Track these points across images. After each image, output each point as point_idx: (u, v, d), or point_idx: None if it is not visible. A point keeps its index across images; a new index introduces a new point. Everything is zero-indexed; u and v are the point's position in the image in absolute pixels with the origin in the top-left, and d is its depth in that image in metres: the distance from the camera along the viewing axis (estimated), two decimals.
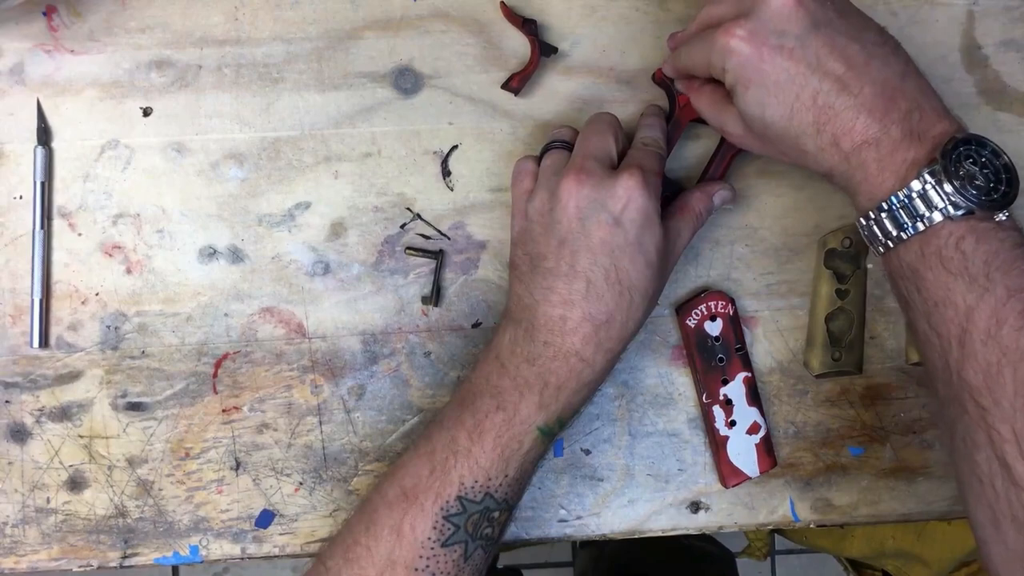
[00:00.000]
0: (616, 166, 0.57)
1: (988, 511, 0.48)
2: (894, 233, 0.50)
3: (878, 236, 0.51)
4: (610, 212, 0.54)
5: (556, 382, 0.54)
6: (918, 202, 0.49)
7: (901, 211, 0.49)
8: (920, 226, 0.49)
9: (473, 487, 0.53)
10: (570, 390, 0.55)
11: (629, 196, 0.54)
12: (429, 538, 0.53)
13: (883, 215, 0.50)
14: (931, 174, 0.48)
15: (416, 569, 0.52)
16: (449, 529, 0.53)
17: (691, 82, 0.59)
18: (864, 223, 0.52)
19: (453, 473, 0.53)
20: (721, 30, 0.52)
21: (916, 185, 0.49)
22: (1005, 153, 0.50)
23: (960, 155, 0.49)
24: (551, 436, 0.56)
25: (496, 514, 0.54)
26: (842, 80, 0.51)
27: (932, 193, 0.48)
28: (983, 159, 0.49)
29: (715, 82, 0.57)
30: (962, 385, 0.48)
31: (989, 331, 0.47)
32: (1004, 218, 0.49)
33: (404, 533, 0.53)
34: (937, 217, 0.48)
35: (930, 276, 0.49)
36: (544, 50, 0.62)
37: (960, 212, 0.48)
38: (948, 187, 0.48)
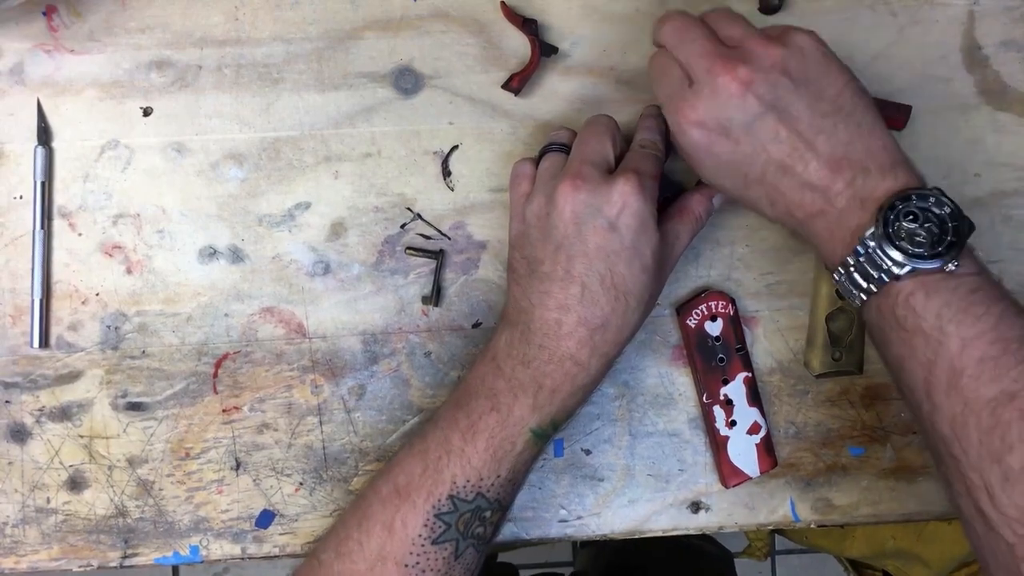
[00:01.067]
0: (613, 170, 0.57)
1: (981, 553, 0.49)
2: (856, 294, 0.52)
3: (851, 291, 0.52)
4: (606, 217, 0.54)
5: (550, 385, 0.54)
6: (867, 266, 0.50)
7: (856, 275, 0.51)
8: (873, 288, 0.50)
9: (465, 486, 0.53)
10: (564, 393, 0.55)
11: (625, 201, 0.54)
12: (420, 535, 0.53)
13: (843, 278, 0.52)
14: (872, 238, 0.50)
15: (406, 565, 0.53)
16: (440, 527, 0.53)
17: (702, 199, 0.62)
18: (836, 280, 0.53)
19: (446, 472, 0.53)
20: (674, 108, 0.55)
21: (860, 251, 0.50)
22: (950, 201, 0.50)
23: (900, 213, 0.50)
24: (544, 438, 0.56)
25: (488, 514, 0.54)
26: (786, 161, 0.52)
27: (876, 256, 0.50)
28: (926, 213, 0.50)
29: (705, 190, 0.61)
30: (936, 436, 0.49)
31: (950, 383, 0.48)
32: (954, 267, 0.49)
33: (396, 529, 0.53)
34: (884, 278, 0.50)
35: (892, 334, 0.51)
36: (544, 50, 0.62)
37: (906, 270, 0.49)
38: (890, 249, 0.49)
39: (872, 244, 0.50)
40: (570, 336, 0.54)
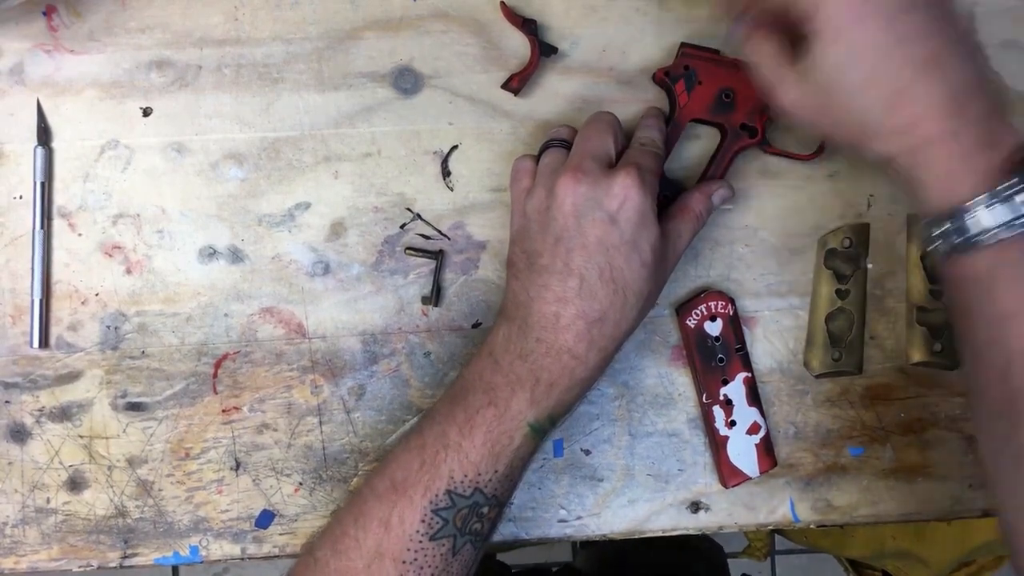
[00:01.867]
0: (614, 165, 0.57)
1: None
2: (968, 239, 0.48)
3: (947, 240, 0.49)
4: (606, 210, 0.54)
5: (548, 379, 0.54)
6: (1000, 209, 0.48)
7: (978, 218, 0.48)
8: (997, 236, 0.48)
9: (462, 482, 0.53)
10: (562, 387, 0.55)
11: (625, 195, 0.54)
12: (417, 531, 0.53)
13: (957, 220, 0.49)
14: (1015, 184, 0.47)
15: (404, 561, 0.52)
16: (437, 523, 0.53)
17: (755, 30, 0.55)
18: (932, 226, 0.50)
19: (443, 467, 0.53)
20: None
21: (995, 193, 0.48)
22: None
23: None
24: (542, 433, 0.56)
25: (485, 510, 0.54)
26: (926, 66, 0.49)
27: (1011, 204, 0.47)
28: None
29: (780, 40, 0.54)
30: (1020, 398, 0.47)
31: None
32: None
33: (392, 525, 0.53)
34: (1016, 230, 0.47)
35: (1002, 287, 0.48)
36: (544, 50, 0.62)
37: None
38: None
39: (1014, 189, 0.47)
40: (568, 329, 0.54)
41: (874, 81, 0.50)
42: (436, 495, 0.53)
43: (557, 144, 0.59)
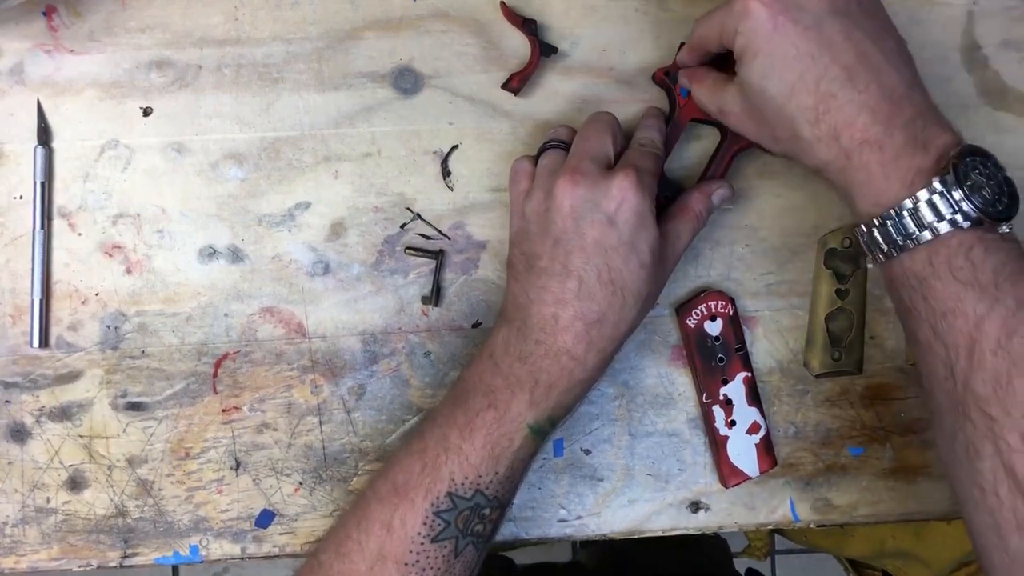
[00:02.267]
0: (613, 166, 0.57)
1: (989, 518, 0.48)
2: (900, 241, 0.49)
3: (880, 244, 0.51)
4: (604, 212, 0.54)
5: (547, 380, 0.54)
6: (926, 210, 0.48)
7: (908, 219, 0.49)
8: (927, 235, 0.49)
9: (463, 484, 0.53)
10: (561, 389, 0.55)
11: (623, 196, 0.54)
12: (419, 533, 0.53)
13: (888, 222, 0.50)
14: (941, 183, 0.48)
15: (406, 564, 0.53)
16: (439, 525, 0.53)
17: (695, 70, 0.59)
18: (865, 229, 0.51)
19: (444, 470, 0.53)
20: None
21: (924, 194, 0.48)
22: (1004, 167, 0.50)
23: (967, 165, 0.48)
24: (542, 435, 0.56)
25: (487, 511, 0.54)
26: (850, 72, 0.50)
27: (940, 202, 0.48)
28: (988, 171, 0.49)
29: (718, 69, 0.57)
30: (968, 395, 0.48)
31: (999, 341, 0.47)
32: (1007, 230, 0.49)
33: (395, 528, 0.53)
34: (945, 227, 0.48)
35: (938, 285, 0.49)
36: (544, 50, 0.62)
37: (969, 222, 0.48)
38: (958, 196, 0.48)
39: (941, 188, 0.48)
40: (567, 331, 0.54)
41: (798, 90, 0.51)
42: (437, 497, 0.53)
43: (556, 145, 0.59)
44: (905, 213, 0.49)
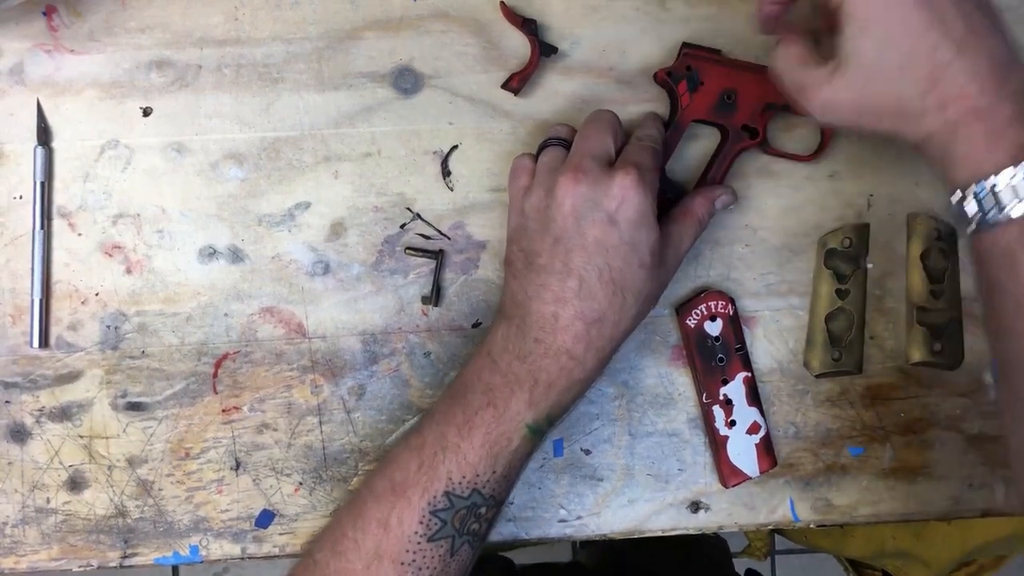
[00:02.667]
0: (614, 164, 0.57)
1: None
2: (995, 212, 0.49)
3: (975, 214, 0.50)
4: (605, 211, 0.54)
5: (546, 380, 0.54)
6: (1023, 184, 0.48)
7: (1005, 192, 0.48)
8: (1022, 209, 0.48)
9: (461, 483, 0.53)
10: (560, 388, 0.55)
11: (624, 195, 0.54)
12: (416, 532, 0.53)
13: (985, 192, 0.49)
14: None
15: (403, 563, 0.53)
16: (436, 524, 0.53)
17: (787, 33, 0.56)
18: (959, 198, 0.50)
19: (441, 468, 0.53)
20: None
21: None
22: None
23: None
24: (540, 434, 0.56)
25: (483, 510, 0.54)
26: (962, 42, 0.49)
27: None
28: None
29: (808, 44, 0.55)
30: None
31: None
32: None
33: (391, 527, 0.53)
34: None
35: None
36: (544, 50, 0.62)
37: None
38: None
39: None
40: (566, 330, 0.54)
41: (911, 62, 0.50)
42: (434, 496, 0.53)
43: (556, 143, 0.59)
44: (1001, 185, 0.48)
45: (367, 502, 0.54)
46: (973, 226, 0.50)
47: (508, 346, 0.55)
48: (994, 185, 0.49)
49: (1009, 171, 0.48)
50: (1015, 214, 0.48)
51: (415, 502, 0.53)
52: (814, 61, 0.54)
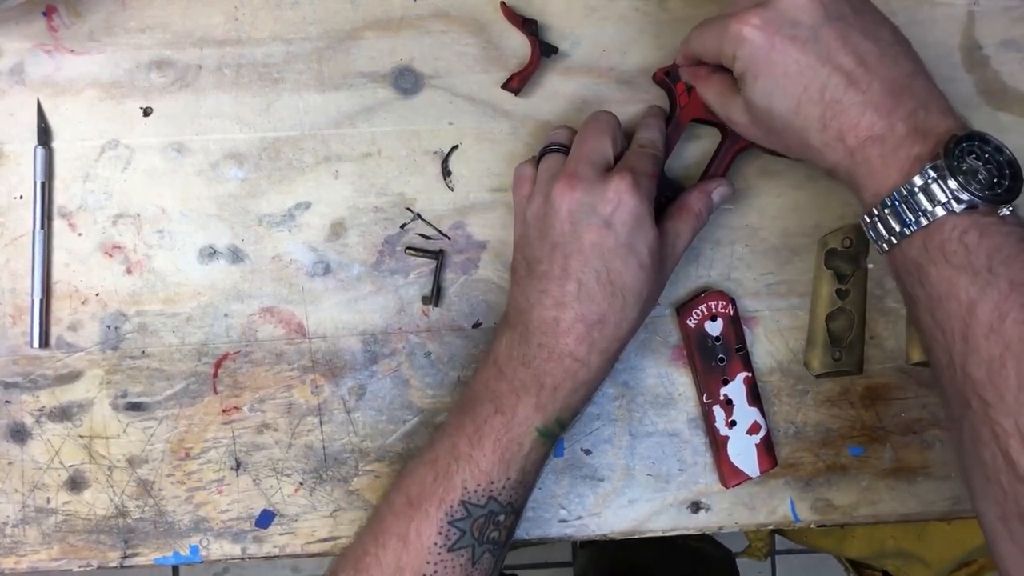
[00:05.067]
0: (612, 167, 0.57)
1: (996, 508, 0.47)
2: (897, 228, 0.50)
3: (882, 233, 0.51)
4: (600, 215, 0.54)
5: (552, 383, 0.55)
6: (921, 197, 0.49)
7: (904, 206, 0.49)
8: (923, 220, 0.49)
9: (476, 491, 0.54)
10: (567, 390, 0.55)
11: (619, 199, 0.54)
12: (435, 543, 0.53)
13: (886, 211, 0.50)
14: (933, 168, 0.48)
15: (424, 574, 0.53)
16: (455, 534, 0.53)
17: (698, 70, 0.59)
18: (868, 220, 0.52)
19: (456, 478, 0.54)
20: (735, 17, 0.52)
21: (918, 180, 0.49)
22: (1008, 149, 0.50)
23: (963, 150, 0.49)
24: (551, 437, 0.56)
25: (501, 517, 0.54)
26: (851, 75, 0.51)
27: (935, 188, 0.48)
28: (986, 155, 0.49)
29: (723, 70, 0.57)
30: (966, 380, 0.48)
31: (992, 325, 0.47)
32: (1008, 213, 0.49)
33: (410, 540, 0.53)
34: (940, 211, 0.48)
35: (933, 271, 0.49)
36: (544, 50, 0.62)
37: (963, 206, 0.48)
38: (951, 182, 0.48)
39: (934, 174, 0.48)
40: (568, 333, 0.54)
41: (804, 102, 0.52)
42: (451, 507, 0.53)
43: (556, 149, 0.59)
44: (901, 200, 0.49)
45: (386, 518, 0.55)
46: (884, 246, 0.51)
47: (513, 353, 0.55)
48: (892, 202, 0.50)
49: (903, 188, 0.49)
50: (914, 228, 0.49)
51: (432, 514, 0.53)
52: (731, 91, 0.57)
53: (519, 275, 0.57)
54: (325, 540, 0.63)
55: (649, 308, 0.58)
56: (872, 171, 0.51)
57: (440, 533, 0.53)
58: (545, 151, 0.59)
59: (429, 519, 0.53)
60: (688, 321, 0.63)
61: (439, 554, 0.53)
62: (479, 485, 0.54)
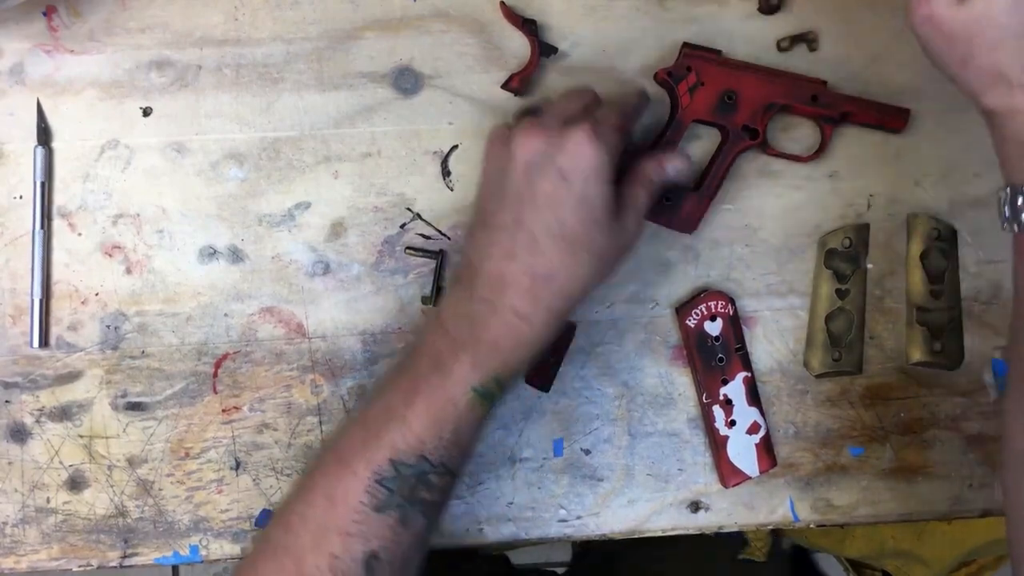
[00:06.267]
0: None
1: None
2: None
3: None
4: (557, 166, 0.53)
5: (491, 339, 0.53)
6: None
7: None
8: None
9: (405, 450, 0.52)
10: (506, 349, 0.53)
11: (578, 151, 0.53)
12: (362, 502, 0.52)
13: None
14: None
15: (349, 534, 0.51)
16: (382, 493, 0.52)
17: None
18: (1010, 194, 0.51)
19: (385, 437, 0.52)
20: None
21: None
22: None
23: None
24: (489, 398, 0.54)
25: (433, 478, 0.53)
26: None
27: None
28: None
29: None
30: None
31: None
32: None
33: (336, 500, 0.52)
34: None
35: None
36: (544, 50, 0.62)
37: None
38: None
39: None
40: (513, 286, 0.53)
41: (981, 51, 0.50)
42: (380, 465, 0.52)
43: (532, 112, 0.58)
44: None
45: (315, 476, 0.54)
46: (1016, 228, 0.51)
47: (458, 309, 0.54)
48: None
49: None
50: None
51: (360, 473, 0.52)
52: None
53: (473, 231, 0.56)
54: None
55: (606, 270, 0.56)
56: None
57: (367, 492, 0.52)
58: (522, 114, 0.59)
59: (357, 478, 0.52)
60: (688, 321, 0.63)
61: (365, 514, 0.52)
62: (408, 444, 0.52)
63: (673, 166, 0.59)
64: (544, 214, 0.53)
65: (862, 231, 0.63)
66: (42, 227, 0.61)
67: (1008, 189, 0.51)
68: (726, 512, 0.64)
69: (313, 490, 0.53)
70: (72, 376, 0.62)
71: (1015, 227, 0.51)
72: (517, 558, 1.03)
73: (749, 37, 0.63)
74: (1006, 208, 0.51)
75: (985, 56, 0.51)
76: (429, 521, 0.54)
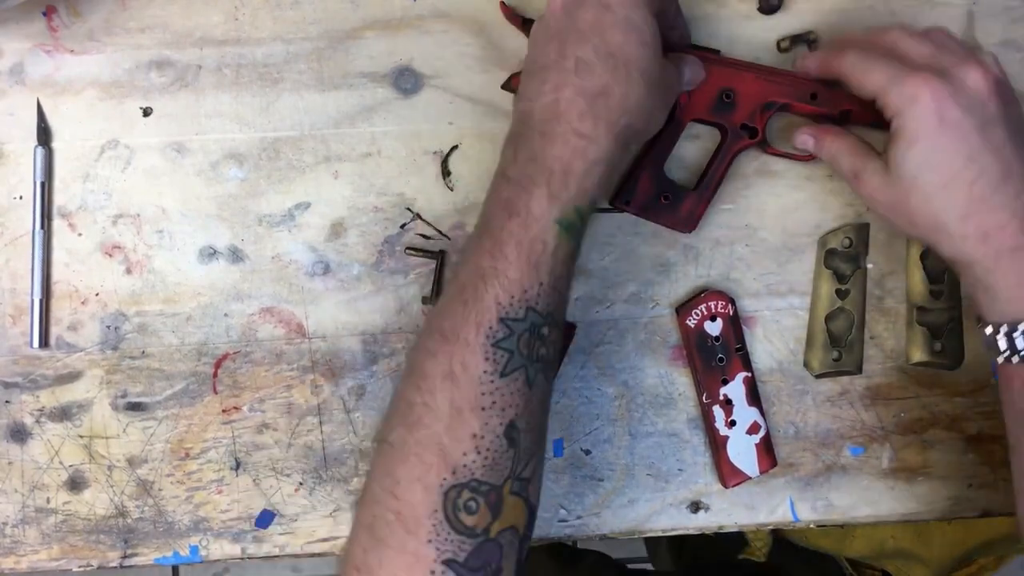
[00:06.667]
0: None
1: None
2: None
3: (1005, 348, 0.52)
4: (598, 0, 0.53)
5: (560, 167, 0.51)
6: None
7: None
8: None
9: (512, 304, 0.49)
10: (578, 173, 0.51)
11: None
12: (485, 371, 0.48)
13: (1017, 333, 0.51)
14: None
15: (483, 408, 0.48)
16: (503, 356, 0.49)
17: (835, 130, 0.60)
18: (995, 331, 0.52)
19: (487, 297, 0.49)
20: (919, 76, 0.52)
21: None
22: None
23: None
24: (574, 230, 0.52)
25: (545, 330, 0.50)
26: (1004, 178, 0.51)
27: None
28: None
29: (857, 138, 0.58)
30: None
31: None
32: None
33: (457, 376, 0.48)
34: None
35: None
36: None
37: None
38: None
39: None
40: (569, 110, 0.51)
41: (952, 187, 0.52)
42: (491, 327, 0.49)
43: None
44: None
45: (425, 363, 0.50)
46: (1001, 359, 0.52)
47: (518, 155, 0.52)
48: None
49: None
50: None
51: (472, 341, 0.48)
52: (865, 150, 0.57)
53: (521, 88, 0.55)
54: (325, 540, 0.63)
55: (658, 97, 0.55)
56: (1013, 286, 0.51)
57: (487, 359, 0.48)
58: None
59: (471, 347, 0.48)
60: (688, 321, 0.63)
61: (492, 382, 0.48)
62: (513, 296, 0.49)
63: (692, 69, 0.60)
64: (591, 39, 0.52)
65: (862, 231, 0.63)
66: (42, 227, 0.61)
67: (990, 327, 0.53)
68: (726, 512, 0.64)
69: (427, 377, 0.49)
70: (72, 376, 0.62)
71: (1013, 358, 0.52)
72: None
73: (749, 37, 0.63)
74: (997, 341, 0.53)
75: (922, 212, 0.54)
76: (549, 382, 0.52)
